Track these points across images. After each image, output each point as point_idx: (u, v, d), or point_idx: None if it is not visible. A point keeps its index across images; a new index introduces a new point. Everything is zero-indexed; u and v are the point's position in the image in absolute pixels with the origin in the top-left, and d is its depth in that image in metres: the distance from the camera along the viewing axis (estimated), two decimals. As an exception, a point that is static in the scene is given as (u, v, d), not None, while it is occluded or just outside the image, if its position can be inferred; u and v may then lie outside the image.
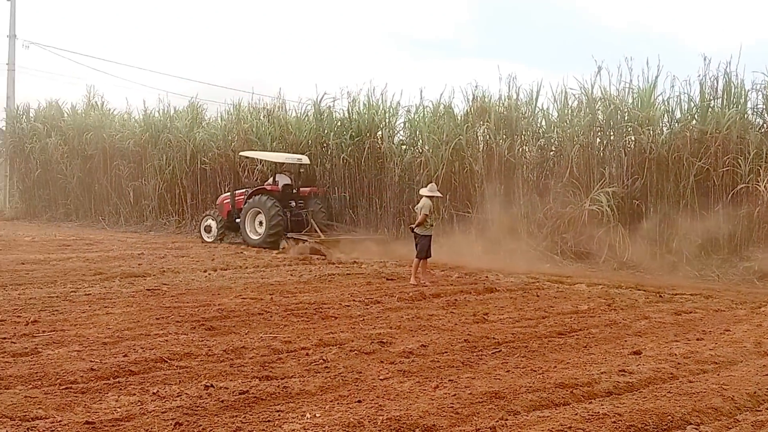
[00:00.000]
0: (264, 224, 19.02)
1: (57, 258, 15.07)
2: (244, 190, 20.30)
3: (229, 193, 20.58)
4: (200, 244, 19.44)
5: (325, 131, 21.46)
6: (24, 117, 30.45)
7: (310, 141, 21.61)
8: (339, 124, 21.38)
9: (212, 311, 9.31)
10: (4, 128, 31.41)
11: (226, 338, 7.79)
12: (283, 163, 20.07)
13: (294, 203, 19.72)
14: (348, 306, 10.03)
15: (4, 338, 7.51)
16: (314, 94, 22.90)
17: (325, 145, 21.36)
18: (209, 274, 13.26)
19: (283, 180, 20.22)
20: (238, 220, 19.84)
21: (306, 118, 22.48)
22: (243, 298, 10.40)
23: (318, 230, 18.65)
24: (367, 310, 9.81)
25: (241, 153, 21.73)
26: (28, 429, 4.85)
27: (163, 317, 8.85)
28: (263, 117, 23.24)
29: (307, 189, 20.37)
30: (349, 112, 21.18)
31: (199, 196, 24.06)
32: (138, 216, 25.73)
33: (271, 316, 9.10)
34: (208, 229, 20.57)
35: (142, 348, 7.17)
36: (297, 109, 23.18)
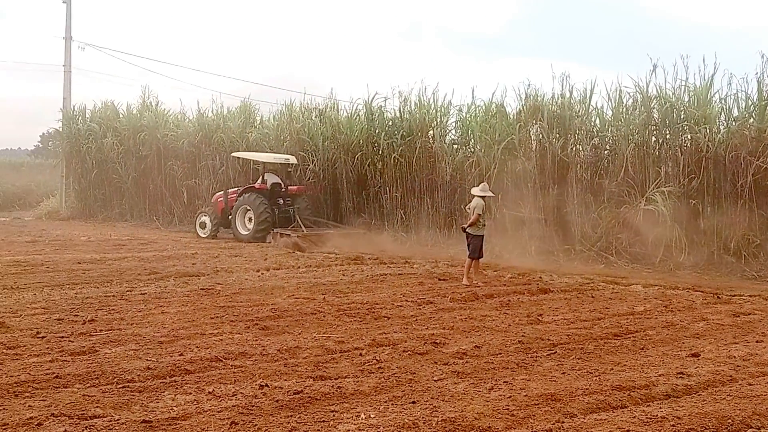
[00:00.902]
0: (253, 220, 20.52)
1: (112, 257, 15.37)
2: (236, 189, 21.82)
3: (222, 192, 22.12)
4: (253, 244, 19.62)
5: (376, 131, 21.48)
6: (80, 118, 31.16)
7: (361, 140, 21.65)
8: (390, 123, 21.37)
9: (266, 311, 9.37)
10: (60, 129, 32.06)
11: (280, 338, 7.83)
12: (273, 163, 21.48)
13: (282, 201, 21.20)
14: (400, 306, 10.01)
15: (63, 337, 7.65)
16: (365, 93, 22.91)
17: (376, 144, 21.38)
18: (262, 273, 13.36)
19: (272, 179, 21.61)
20: (230, 217, 21.21)
21: (357, 118, 22.53)
22: (296, 298, 10.46)
23: (302, 225, 19.92)
24: (420, 310, 9.78)
25: (233, 154, 23.50)
26: (86, 427, 4.92)
27: (217, 316, 8.94)
28: (315, 117, 23.36)
29: (295, 188, 21.79)
30: (400, 112, 21.17)
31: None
32: (192, 216, 25.98)
33: (324, 316, 9.12)
34: (202, 225, 22.11)
35: (197, 347, 7.25)
36: (348, 109, 23.30)
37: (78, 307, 9.48)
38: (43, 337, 7.59)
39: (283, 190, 21.43)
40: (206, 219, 22.04)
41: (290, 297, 10.56)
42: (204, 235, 21.78)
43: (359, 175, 21.55)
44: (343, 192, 21.91)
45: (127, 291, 10.92)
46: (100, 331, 7.99)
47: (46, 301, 9.90)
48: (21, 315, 8.82)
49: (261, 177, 21.44)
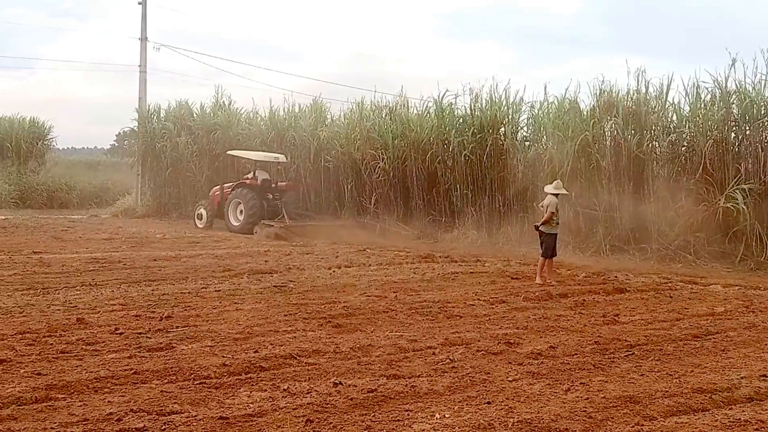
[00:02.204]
0: (243, 212, 22.47)
1: (187, 255, 15.64)
2: (231, 184, 23.73)
3: (219, 187, 24.09)
4: (323, 243, 19.60)
5: (447, 128, 21.39)
6: (155, 117, 31.61)
7: (431, 138, 21.58)
8: (460, 121, 21.27)
9: (338, 308, 9.44)
10: (136, 128, 32.80)
11: (353, 336, 7.88)
12: (264, 161, 23.46)
13: (271, 195, 23.07)
14: (473, 305, 9.96)
15: (140, 333, 7.83)
16: (436, 91, 22.77)
17: (446, 142, 21.31)
18: (334, 271, 13.45)
19: (262, 175, 23.50)
20: (225, 209, 23.19)
21: (427, 116, 22.49)
22: (368, 296, 10.50)
23: (286, 218, 21.84)
24: (493, 309, 9.71)
25: (228, 152, 25.48)
26: (164, 423, 5.02)
27: (290, 314, 9.03)
28: (385, 115, 23.39)
29: (284, 184, 23.85)
30: (471, 109, 21.03)
31: (323, 194, 24.44)
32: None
33: (396, 314, 9.13)
34: (200, 217, 24.26)
35: (271, 344, 7.33)
36: (418, 107, 23.26)
37: (155, 303, 9.68)
38: (121, 334, 7.78)
39: (273, 185, 23.36)
40: (203, 211, 24.18)
41: (362, 295, 10.61)
42: (201, 226, 23.89)
43: (429, 173, 21.50)
44: (413, 190, 21.89)
45: (202, 288, 11.11)
46: (177, 327, 8.14)
47: (124, 297, 10.14)
48: (99, 311, 9.04)
49: (253, 173, 23.28)
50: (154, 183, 31.55)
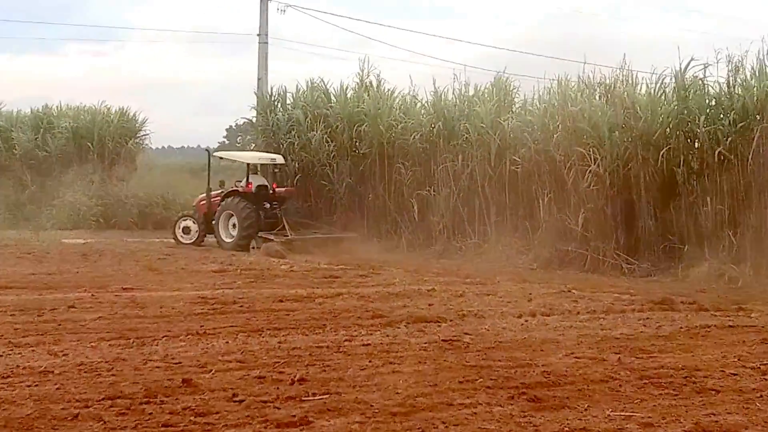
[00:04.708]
0: (237, 226, 25.51)
1: (323, 294, 15.94)
2: (219, 192, 26.70)
3: (205, 195, 27.01)
4: (509, 279, 19.59)
5: (692, 115, 20.87)
6: (279, 104, 32.20)
7: (668, 129, 21.13)
8: (713, 103, 20.69)
9: (535, 374, 9.35)
10: (254, 119, 33.36)
11: (558, 414, 7.79)
12: (257, 164, 27.38)
13: (268, 204, 26.34)
14: (734, 374, 9.63)
15: (265, 402, 7.98)
16: (674, 60, 22.13)
17: (691, 135, 20.78)
18: (526, 320, 13.36)
19: (257, 181, 26.68)
20: (214, 223, 26.24)
21: (662, 97, 22.00)
22: (577, 358, 10.36)
23: (288, 229, 25.20)
24: (766, 381, 9.36)
25: (216, 154, 29.46)
26: None
27: (467, 380, 9.01)
28: (599, 97, 23.10)
29: (283, 189, 27.41)
30: (729, 86, 20.42)
31: (507, 209, 24.41)
32: (425, 236, 26.51)
33: (620, 385, 8.96)
34: (186, 231, 27.07)
35: (443, 423, 7.35)
36: (649, 83, 22.73)
37: (283, 361, 9.86)
38: (240, 401, 7.94)
39: (271, 192, 26.72)
40: (191, 223, 27.09)
41: (569, 356, 10.48)
42: (188, 242, 26.76)
43: (664, 180, 21.04)
44: (639, 204, 21.45)
45: (345, 340, 11.27)
46: (314, 394, 8.25)
47: (242, 351, 10.38)
48: (211, 370, 9.27)
49: (246, 179, 26.52)
50: (278, 194, 32.32)
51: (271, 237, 24.60)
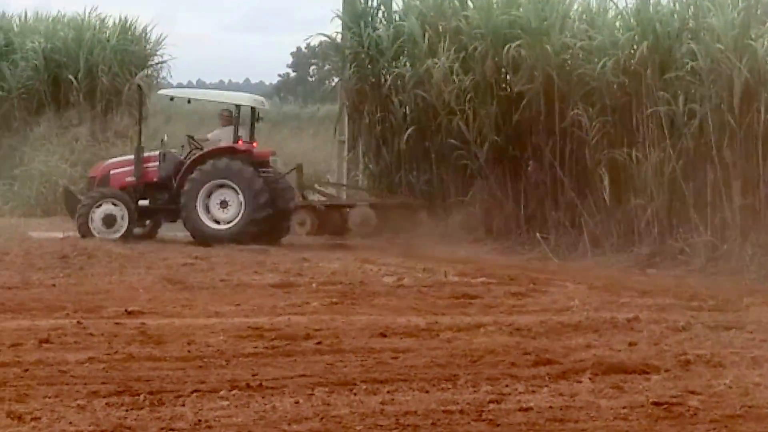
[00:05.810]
0: (238, 205, 22.86)
1: (452, 323, 13.93)
2: (158, 153, 23.85)
3: (121, 158, 24.57)
4: (654, 288, 17.87)
5: None
6: (381, 12, 28.78)
7: None
8: None
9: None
10: (339, 37, 29.63)
11: None
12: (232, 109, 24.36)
13: (264, 169, 24.03)
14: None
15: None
16: None
17: None
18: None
19: (225, 135, 24.03)
20: (143, 202, 23.52)
21: None
22: None
23: (307, 199, 24.72)
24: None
25: (162, 91, 28.34)
26: None
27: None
28: None
29: (267, 151, 25.31)
30: None
31: (761, 186, 21.20)
32: (621, 230, 23.52)
33: None
34: (109, 221, 23.10)
35: None
36: None
37: (400, 428, 8.23)
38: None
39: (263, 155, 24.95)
40: (114, 209, 23.16)
41: None
42: (114, 237, 22.93)
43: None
44: None
45: (491, 402, 9.22)
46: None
47: (322, 417, 8.45)
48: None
49: (235, 131, 23.80)
50: (375, 164, 29.09)
51: (342, 200, 24.66)
